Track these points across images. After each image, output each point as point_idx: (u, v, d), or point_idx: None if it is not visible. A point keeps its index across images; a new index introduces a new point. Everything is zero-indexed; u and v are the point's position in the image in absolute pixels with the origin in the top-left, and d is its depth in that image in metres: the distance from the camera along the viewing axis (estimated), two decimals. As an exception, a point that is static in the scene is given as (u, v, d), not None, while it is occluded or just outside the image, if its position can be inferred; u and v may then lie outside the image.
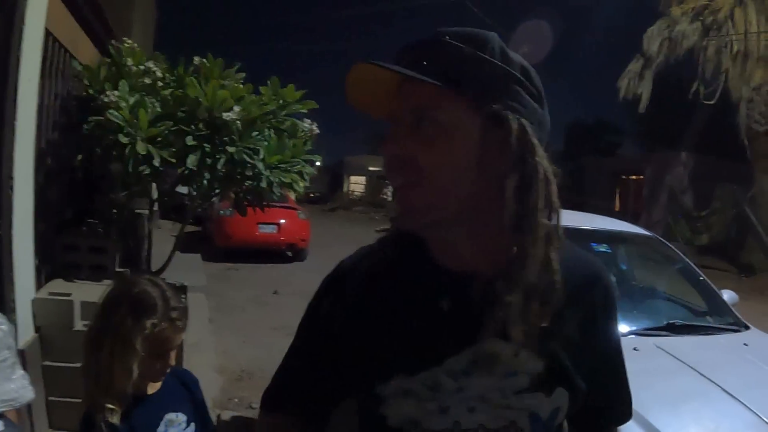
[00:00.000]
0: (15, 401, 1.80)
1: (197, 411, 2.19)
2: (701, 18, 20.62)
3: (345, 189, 45.94)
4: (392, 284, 1.23)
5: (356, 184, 47.76)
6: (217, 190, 5.41)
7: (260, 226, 14.00)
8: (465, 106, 1.10)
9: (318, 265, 14.83)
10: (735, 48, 19.89)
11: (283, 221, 14.57)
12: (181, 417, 2.09)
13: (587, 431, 1.34)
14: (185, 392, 2.19)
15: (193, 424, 2.13)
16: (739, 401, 3.13)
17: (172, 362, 2.06)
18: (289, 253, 15.11)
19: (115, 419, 1.91)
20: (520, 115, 1.11)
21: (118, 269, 5.60)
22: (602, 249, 4.77)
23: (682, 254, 5.20)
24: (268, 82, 5.40)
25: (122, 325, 1.94)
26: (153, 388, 2.07)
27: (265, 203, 5.59)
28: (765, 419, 3.00)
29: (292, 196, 5.86)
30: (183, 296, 2.28)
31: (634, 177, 28.52)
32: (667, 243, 5.38)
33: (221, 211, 13.86)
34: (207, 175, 5.05)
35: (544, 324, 1.12)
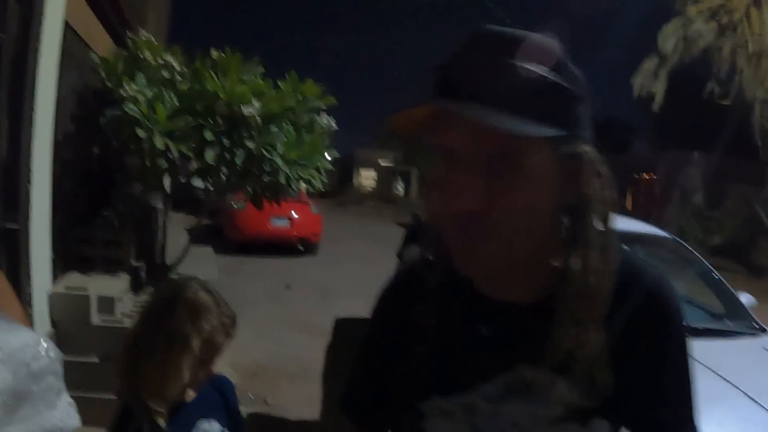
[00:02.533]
0: (59, 430, 1.75)
1: (231, 419, 2.14)
2: (717, 18, 20.52)
3: (355, 183, 45.86)
4: (435, 306, 1.19)
5: (366, 178, 47.71)
6: (234, 185, 5.37)
7: (273, 219, 13.93)
8: (547, 145, 1.01)
9: (330, 259, 14.75)
10: (750, 48, 19.77)
11: (295, 215, 14.47)
12: (215, 425, 2.04)
13: None
14: (220, 399, 2.14)
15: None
16: (763, 407, 3.09)
17: (215, 369, 2.02)
18: (301, 247, 15.06)
19: (161, 422, 1.87)
20: (587, 141, 1.06)
21: (133, 262, 5.58)
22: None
23: (700, 256, 5.14)
24: (287, 76, 5.36)
25: (179, 327, 1.89)
26: (190, 394, 2.02)
27: (281, 198, 5.56)
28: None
29: (304, 189, 5.83)
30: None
31: (646, 176, 28.39)
32: (686, 245, 5.32)
33: (234, 204, 13.81)
34: (225, 170, 5.02)
35: (585, 351, 1.06)
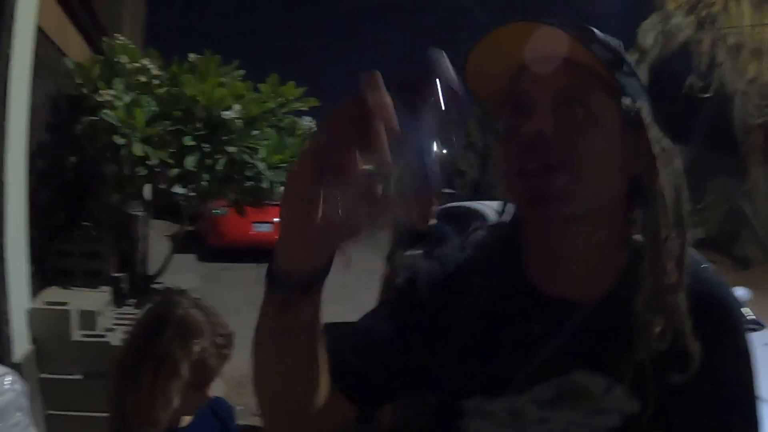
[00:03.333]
0: None
1: None
2: (695, 11, 20.63)
3: (338, 185, 45.94)
4: (483, 298, 1.10)
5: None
6: (215, 191, 5.24)
7: (255, 225, 13.72)
8: (610, 96, 1.00)
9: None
10: (730, 41, 19.90)
11: (278, 220, 14.29)
12: None
13: None
14: (218, 425, 2.00)
15: None
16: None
17: (211, 394, 1.87)
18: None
19: None
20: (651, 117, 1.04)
21: (114, 274, 5.44)
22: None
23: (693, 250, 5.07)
24: (267, 79, 5.25)
25: (167, 349, 1.75)
26: (186, 419, 1.88)
27: (264, 203, 5.46)
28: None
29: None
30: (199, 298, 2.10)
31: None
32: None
33: (214, 210, 13.64)
34: (206, 176, 4.89)
35: (647, 358, 0.97)
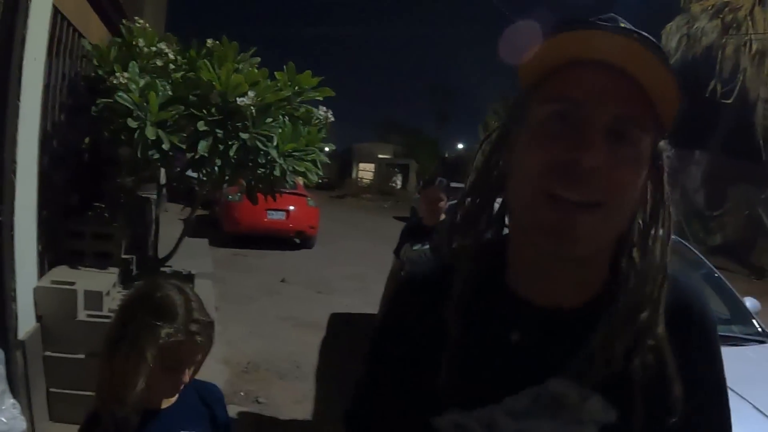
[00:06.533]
0: None
1: (217, 430, 2.00)
2: (721, 16, 20.43)
3: (354, 176, 45.85)
4: (458, 307, 1.07)
5: (365, 171, 47.69)
6: (228, 177, 5.24)
7: (269, 212, 13.75)
8: (653, 133, 0.97)
9: (326, 253, 14.72)
10: (753, 47, 19.68)
11: (292, 208, 14.28)
12: None
13: None
14: (205, 410, 1.99)
15: None
16: None
17: (187, 379, 1.86)
18: (298, 241, 14.94)
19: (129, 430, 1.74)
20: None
21: (124, 256, 5.46)
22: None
23: (704, 258, 5.01)
24: (284, 67, 5.24)
25: (137, 331, 1.75)
26: (167, 401, 1.88)
27: (276, 191, 5.45)
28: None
29: (300, 182, 5.73)
30: (191, 285, 2.08)
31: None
32: (692, 247, 5.19)
33: (229, 197, 13.67)
34: (218, 162, 4.89)
35: (622, 369, 0.97)
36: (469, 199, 1.13)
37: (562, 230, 0.93)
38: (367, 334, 1.34)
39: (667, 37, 21.11)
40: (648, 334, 0.97)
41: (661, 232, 1.01)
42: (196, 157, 4.87)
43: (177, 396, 1.88)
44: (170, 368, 1.79)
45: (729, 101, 19.96)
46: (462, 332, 1.05)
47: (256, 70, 5.06)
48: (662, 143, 0.99)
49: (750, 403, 3.07)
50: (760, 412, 3.04)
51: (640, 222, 1.02)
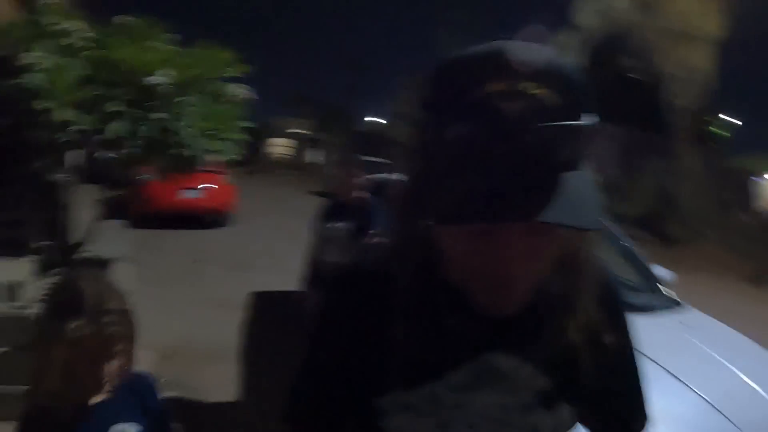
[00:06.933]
0: None
1: (151, 419, 1.94)
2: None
3: (265, 151, 45.29)
4: (394, 290, 1.10)
5: (277, 146, 47.19)
6: (140, 158, 5.16)
7: (183, 191, 13.50)
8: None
9: (242, 230, 14.44)
10: (666, 26, 20.27)
11: (206, 186, 14.04)
12: (132, 428, 1.89)
13: None
14: (137, 400, 1.94)
15: None
16: (685, 384, 3.16)
17: (114, 371, 1.81)
18: (211, 219, 14.69)
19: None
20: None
21: (40, 243, 5.32)
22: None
23: (617, 229, 5.15)
24: (196, 44, 5.19)
25: (46, 328, 1.75)
26: (99, 396, 1.84)
27: (188, 170, 5.40)
28: (712, 403, 3.03)
29: (215, 161, 5.67)
30: (107, 271, 2.07)
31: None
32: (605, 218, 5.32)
33: (139, 176, 13.27)
34: (131, 143, 4.82)
35: (553, 338, 1.08)
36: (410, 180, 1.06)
37: (496, 295, 1.02)
38: (287, 312, 1.35)
39: (580, 13, 21.52)
40: (574, 312, 1.08)
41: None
42: (109, 138, 4.79)
43: (109, 389, 1.84)
44: (92, 362, 1.76)
45: (640, 77, 20.55)
46: (405, 314, 1.09)
47: (167, 48, 4.99)
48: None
49: (662, 366, 3.23)
50: (671, 374, 3.21)
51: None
